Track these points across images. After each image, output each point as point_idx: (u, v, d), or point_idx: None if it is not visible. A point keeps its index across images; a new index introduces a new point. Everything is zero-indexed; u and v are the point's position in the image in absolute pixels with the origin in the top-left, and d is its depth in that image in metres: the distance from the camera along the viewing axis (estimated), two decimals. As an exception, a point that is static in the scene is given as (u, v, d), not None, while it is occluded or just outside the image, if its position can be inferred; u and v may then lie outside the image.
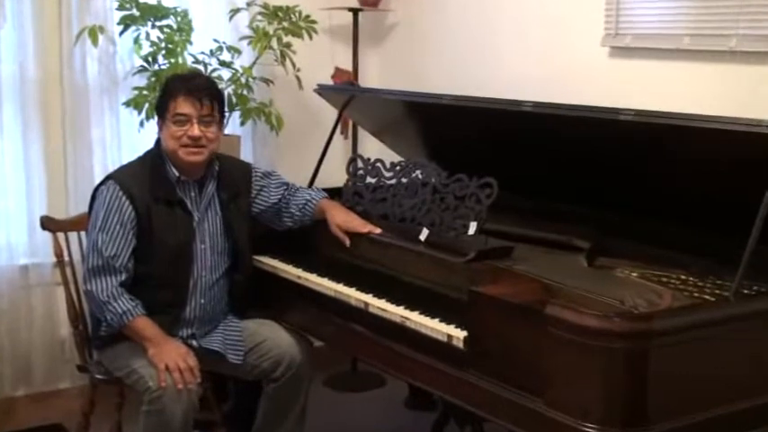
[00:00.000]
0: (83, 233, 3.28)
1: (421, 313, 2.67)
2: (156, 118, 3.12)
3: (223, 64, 3.92)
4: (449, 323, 2.57)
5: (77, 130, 3.91)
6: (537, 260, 2.71)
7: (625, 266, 2.68)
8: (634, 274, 2.62)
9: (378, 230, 3.06)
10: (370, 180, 3.27)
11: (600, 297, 2.34)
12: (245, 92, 3.97)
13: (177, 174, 3.04)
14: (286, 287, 3.23)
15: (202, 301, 3.09)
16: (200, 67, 3.82)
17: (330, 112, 3.88)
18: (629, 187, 2.78)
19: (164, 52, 3.77)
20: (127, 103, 3.79)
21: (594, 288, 2.39)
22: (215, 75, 3.82)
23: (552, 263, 2.71)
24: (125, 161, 3.38)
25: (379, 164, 3.25)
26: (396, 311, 2.73)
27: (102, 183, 3.05)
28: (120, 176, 3.03)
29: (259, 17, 4.05)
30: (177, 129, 2.98)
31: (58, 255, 3.36)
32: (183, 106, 2.98)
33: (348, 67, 4.54)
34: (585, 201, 2.92)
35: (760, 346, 2.31)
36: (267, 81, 4.14)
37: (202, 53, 3.89)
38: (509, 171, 2.80)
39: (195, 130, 2.98)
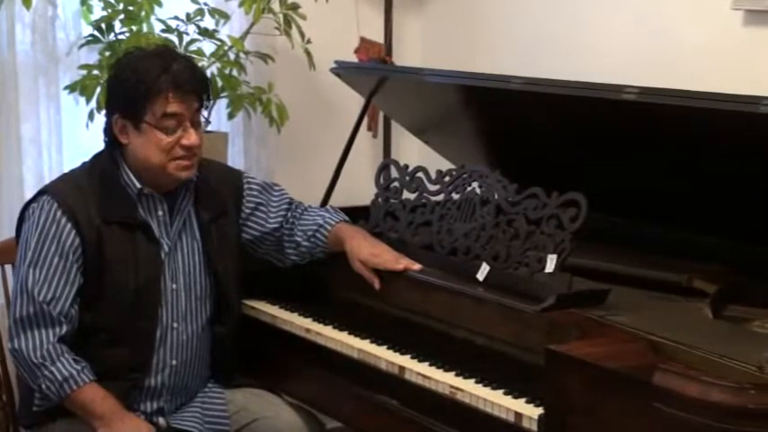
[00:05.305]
0: (9, 267, 3.33)
1: (478, 382, 2.69)
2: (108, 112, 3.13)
3: (205, 33, 3.96)
4: (517, 396, 2.59)
5: (2, 124, 3.94)
6: (642, 308, 2.72)
7: (766, 318, 2.68)
8: (779, 329, 2.63)
9: (417, 267, 3.08)
10: (408, 196, 3.30)
11: (730, 361, 2.34)
12: (234, 72, 4.01)
13: (139, 185, 3.06)
14: (289, 344, 3.26)
15: (173, 362, 3.12)
16: (173, 38, 3.86)
17: (353, 101, 3.91)
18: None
19: (122, 17, 3.80)
20: (71, 88, 3.84)
21: (722, 348, 2.39)
22: (192, 49, 3.87)
23: (663, 312, 2.72)
24: (67, 168, 3.43)
25: (420, 173, 3.28)
26: (443, 379, 2.75)
27: (33, 199, 3.09)
28: (60, 190, 3.06)
29: (255, -32, 4.09)
30: (166, 137, 2.99)
31: (-26, 298, 3.41)
32: (174, 105, 2.98)
33: (378, 38, 4.59)
34: (709, 225, 2.93)
35: None
36: (265, 57, 4.17)
37: (176, 18, 3.93)
38: (601, 183, 2.82)
39: (193, 137, 3.01)
